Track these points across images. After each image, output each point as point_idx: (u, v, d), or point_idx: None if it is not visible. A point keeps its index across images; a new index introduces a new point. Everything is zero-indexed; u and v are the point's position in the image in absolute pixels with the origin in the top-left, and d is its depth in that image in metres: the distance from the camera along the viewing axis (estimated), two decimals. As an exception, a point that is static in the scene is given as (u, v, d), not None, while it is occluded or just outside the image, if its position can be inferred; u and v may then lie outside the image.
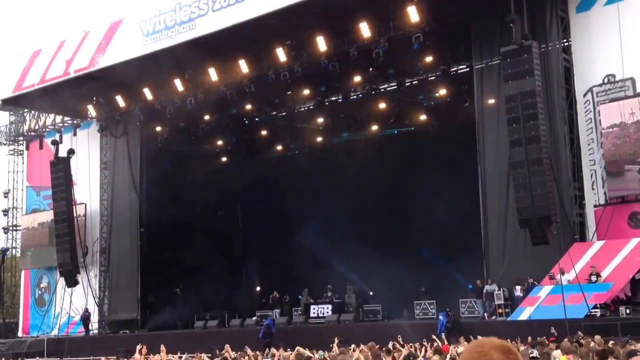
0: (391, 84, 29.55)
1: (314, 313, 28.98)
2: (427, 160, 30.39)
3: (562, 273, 21.36)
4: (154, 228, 32.55)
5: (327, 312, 28.42)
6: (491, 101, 24.82)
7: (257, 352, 17.77)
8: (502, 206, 24.14)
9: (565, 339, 15.09)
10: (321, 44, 26.35)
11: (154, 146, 33.19)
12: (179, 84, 29.93)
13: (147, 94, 30.98)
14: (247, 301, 34.07)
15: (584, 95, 23.01)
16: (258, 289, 35.41)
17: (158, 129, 33.33)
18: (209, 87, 29.65)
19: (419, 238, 28.83)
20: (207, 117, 33.19)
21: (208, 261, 32.78)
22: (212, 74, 28.94)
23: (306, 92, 31.02)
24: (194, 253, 33.86)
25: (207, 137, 34.27)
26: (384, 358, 13.10)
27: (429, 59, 27.18)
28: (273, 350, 17.85)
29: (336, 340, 18.86)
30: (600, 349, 11.30)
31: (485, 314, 24.26)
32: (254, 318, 29.90)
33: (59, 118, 37.28)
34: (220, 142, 35.93)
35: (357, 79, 29.45)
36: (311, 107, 32.01)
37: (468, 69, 26.67)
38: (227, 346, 17.88)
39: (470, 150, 25.42)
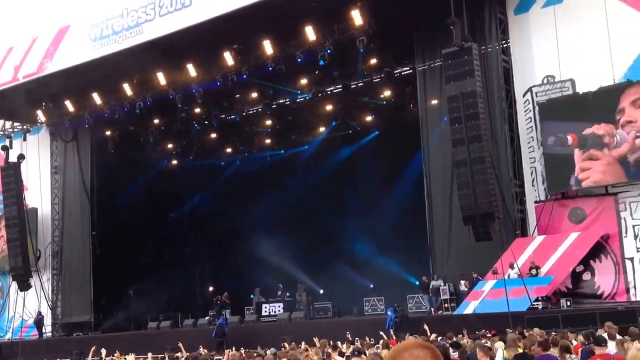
0: (337, 86, 28.85)
1: (265, 312, 28.25)
2: (374, 160, 29.87)
3: (512, 267, 20.85)
4: (105, 231, 31.81)
5: (279, 311, 27.73)
6: (434, 102, 24.39)
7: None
8: (446, 204, 23.77)
9: (509, 331, 14.65)
10: (268, 47, 25.57)
11: (104, 150, 32.28)
12: (127, 89, 28.98)
13: (96, 98, 29.86)
14: (199, 301, 33.17)
15: (524, 95, 22.62)
16: (211, 289, 34.41)
17: (108, 133, 32.40)
18: (158, 91, 28.75)
19: (366, 236, 28.37)
20: (156, 121, 32.14)
21: (160, 263, 32.18)
22: (161, 78, 28.03)
23: (254, 95, 30.24)
24: (146, 255, 32.98)
25: (157, 141, 33.12)
26: (332, 354, 12.67)
27: (373, 61, 26.61)
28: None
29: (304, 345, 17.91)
30: (542, 339, 10.72)
31: (432, 309, 23.94)
32: (206, 318, 29.06)
33: (8, 123, 35.66)
34: (170, 146, 34.86)
35: (304, 81, 28.75)
36: (259, 110, 31.20)
37: (411, 70, 26.19)
38: (180, 344, 17.07)
39: (415, 150, 24.95)
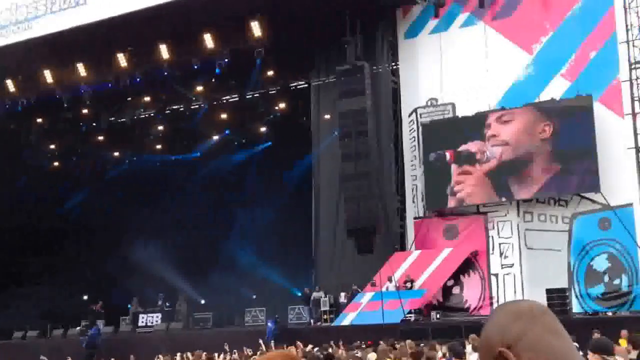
0: (233, 96, 29.05)
1: (142, 322, 27.44)
2: (264, 171, 30.20)
3: (390, 280, 21.67)
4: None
5: (156, 321, 27.08)
6: (326, 117, 25.31)
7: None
8: (332, 217, 24.59)
9: (381, 343, 15.13)
10: (164, 52, 25.41)
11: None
12: (10, 85, 27.73)
13: (-25, 94, 28.27)
14: (72, 310, 31.61)
15: (409, 116, 24.01)
16: (85, 297, 32.96)
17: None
18: (44, 90, 27.70)
19: (251, 247, 28.45)
20: (39, 120, 30.98)
21: (32, 268, 30.57)
22: (48, 76, 27.07)
23: (147, 99, 29.96)
24: (16, 260, 31.02)
25: (41, 141, 31.80)
26: None
27: (270, 73, 27.24)
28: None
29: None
30: (413, 351, 11.31)
31: (312, 320, 24.24)
32: (78, 328, 27.80)
33: None
34: (53, 147, 33.54)
35: (199, 88, 28.84)
36: (151, 114, 30.96)
37: (306, 85, 26.99)
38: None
39: (306, 163, 25.51)
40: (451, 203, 22.67)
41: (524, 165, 21.57)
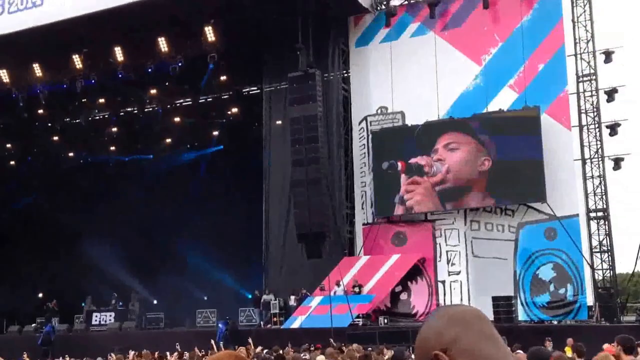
0: (186, 100, 28.78)
1: (96, 321, 27.11)
2: (216, 174, 29.62)
3: (338, 285, 21.75)
4: None
5: (110, 320, 26.64)
6: (278, 122, 24.75)
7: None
8: (282, 221, 24.14)
9: (329, 347, 15.23)
10: (118, 54, 24.99)
11: None
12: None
13: None
14: (27, 308, 31.33)
15: (359, 123, 23.69)
16: (40, 295, 32.72)
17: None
18: (1, 89, 27.15)
19: (203, 249, 28.09)
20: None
21: None
22: (4, 75, 26.58)
23: (101, 101, 29.16)
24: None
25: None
26: None
27: (223, 78, 26.60)
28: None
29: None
30: (362, 354, 11.40)
31: (262, 322, 23.93)
32: (33, 325, 27.45)
33: None
34: (9, 145, 32.83)
35: (153, 91, 28.22)
36: (106, 116, 30.20)
37: (259, 90, 26.43)
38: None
39: (257, 167, 25.42)
40: (399, 210, 22.19)
41: (463, 192, 21.64)
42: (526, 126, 20.77)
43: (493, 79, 21.61)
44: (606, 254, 20.93)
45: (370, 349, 14.42)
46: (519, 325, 19.52)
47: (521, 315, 20.49)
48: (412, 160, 22.01)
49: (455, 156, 21.65)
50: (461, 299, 21.45)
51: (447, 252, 21.99)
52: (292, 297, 23.41)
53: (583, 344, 9.56)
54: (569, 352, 12.04)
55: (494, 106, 21.51)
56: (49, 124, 30.46)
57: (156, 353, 15.75)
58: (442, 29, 22.54)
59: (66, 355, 19.01)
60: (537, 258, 20.86)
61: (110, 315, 26.98)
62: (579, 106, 20.83)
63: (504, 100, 21.43)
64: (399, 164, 22.22)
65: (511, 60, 21.39)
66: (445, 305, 1.83)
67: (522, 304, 20.71)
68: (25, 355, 17.71)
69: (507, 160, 20.90)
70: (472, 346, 1.63)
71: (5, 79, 26.80)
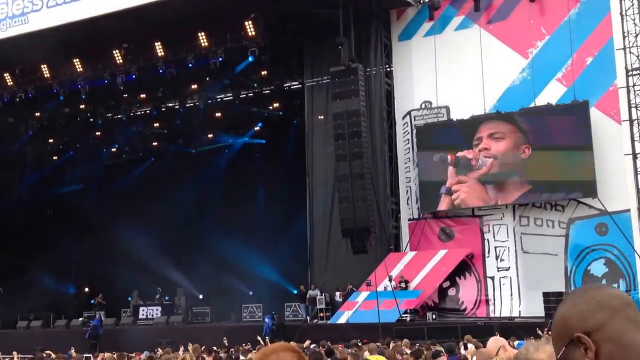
0: (227, 95, 29.00)
1: (142, 315, 27.87)
2: (259, 170, 30.05)
3: (390, 280, 21.97)
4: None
5: (157, 314, 27.40)
6: (320, 117, 24.96)
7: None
8: (327, 217, 24.42)
9: (378, 342, 15.49)
10: (159, 49, 25.29)
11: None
12: (8, 79, 27.72)
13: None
14: (74, 302, 32.23)
15: (403, 118, 23.79)
16: (87, 289, 33.57)
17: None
18: (42, 84, 27.62)
19: (248, 244, 28.52)
20: (37, 114, 30.89)
21: (34, 261, 30.66)
22: (45, 70, 27.08)
23: (142, 96, 29.76)
24: (18, 253, 31.46)
25: (38, 135, 31.91)
26: (206, 358, 12.96)
27: (263, 73, 26.93)
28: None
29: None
30: (415, 349, 11.61)
31: (308, 317, 24.44)
32: (80, 319, 28.25)
33: None
34: (51, 141, 33.55)
35: (194, 87, 28.65)
36: (147, 111, 30.74)
37: (300, 85, 26.61)
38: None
39: (300, 163, 25.57)
40: (444, 203, 22.51)
41: (509, 184, 21.80)
42: (575, 120, 20.57)
43: (540, 72, 21.55)
44: (659, 249, 20.74)
45: (418, 344, 14.65)
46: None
47: (573, 311, 20.44)
48: (460, 154, 22.06)
49: (500, 146, 21.80)
50: (511, 295, 21.69)
51: (495, 247, 22.11)
52: (338, 293, 23.80)
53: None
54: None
55: (541, 100, 21.42)
56: (91, 119, 30.88)
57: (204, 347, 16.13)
58: (487, 22, 22.48)
59: (114, 350, 19.50)
60: (588, 254, 20.87)
61: (157, 310, 27.61)
62: (628, 100, 20.58)
63: (551, 94, 21.39)
64: (449, 156, 22.30)
65: (558, 53, 21.33)
66: (592, 286, 1.75)
67: (573, 299, 20.64)
68: (72, 350, 18.20)
69: (555, 155, 20.94)
70: (618, 333, 1.62)
71: (46, 74, 27.26)
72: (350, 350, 13.06)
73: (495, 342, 5.14)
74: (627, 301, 1.68)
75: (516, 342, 10.56)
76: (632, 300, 1.70)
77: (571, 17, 21.23)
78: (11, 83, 27.89)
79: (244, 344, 17.44)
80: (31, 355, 19.90)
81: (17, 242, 31.63)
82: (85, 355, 18.73)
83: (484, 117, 22.08)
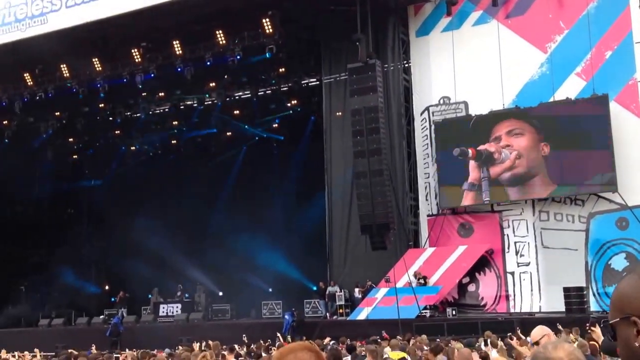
0: (245, 92, 29.28)
1: (163, 312, 28.16)
2: (278, 167, 30.42)
3: (416, 276, 22.09)
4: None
5: (177, 311, 27.71)
6: (338, 114, 25.17)
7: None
8: (345, 213, 24.61)
9: (398, 337, 15.64)
10: (177, 48, 25.60)
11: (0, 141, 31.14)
12: (28, 78, 28.16)
13: (-6, 86, 28.89)
14: (94, 299, 32.64)
15: (421, 114, 23.95)
16: (107, 287, 34.00)
17: (5, 122, 31.13)
18: (61, 84, 28.04)
19: (267, 241, 28.80)
20: (57, 114, 31.41)
21: (55, 259, 31.19)
22: (64, 70, 27.48)
23: (161, 94, 30.16)
24: (40, 251, 32.06)
25: (58, 134, 32.41)
26: (227, 356, 13.07)
27: (281, 70, 27.22)
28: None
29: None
30: (435, 344, 11.78)
31: (328, 314, 24.64)
32: (101, 317, 28.62)
33: None
34: (71, 139, 34.10)
35: (212, 84, 28.96)
36: (166, 110, 31.17)
37: (318, 82, 26.84)
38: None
39: (319, 159, 25.76)
40: (468, 198, 22.68)
41: (531, 179, 21.86)
42: (595, 115, 20.62)
43: (559, 67, 21.67)
44: (680, 243, 20.74)
45: (438, 340, 14.78)
46: (591, 316, 19.55)
47: (593, 306, 20.67)
48: (482, 147, 22.13)
49: (520, 141, 21.91)
50: (532, 290, 21.77)
51: (515, 243, 22.21)
52: (357, 289, 23.95)
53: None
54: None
55: (560, 94, 21.49)
56: (110, 118, 31.26)
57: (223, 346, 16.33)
58: (505, 16, 22.60)
59: (134, 348, 19.75)
60: (609, 248, 20.92)
61: (177, 307, 27.91)
62: (648, 94, 20.50)
63: (571, 88, 21.49)
64: (470, 150, 22.39)
65: (577, 47, 21.44)
66: None
67: (594, 294, 20.89)
68: (93, 347, 18.46)
69: (575, 149, 20.92)
70: None
71: (66, 73, 27.63)
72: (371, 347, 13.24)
73: (541, 329, 5.49)
74: None
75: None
76: None
77: (590, 10, 21.34)
78: (31, 83, 28.30)
79: (264, 341, 17.60)
80: (53, 353, 20.29)
81: (39, 240, 32.15)
82: (107, 353, 18.97)
83: (503, 112, 22.17)
